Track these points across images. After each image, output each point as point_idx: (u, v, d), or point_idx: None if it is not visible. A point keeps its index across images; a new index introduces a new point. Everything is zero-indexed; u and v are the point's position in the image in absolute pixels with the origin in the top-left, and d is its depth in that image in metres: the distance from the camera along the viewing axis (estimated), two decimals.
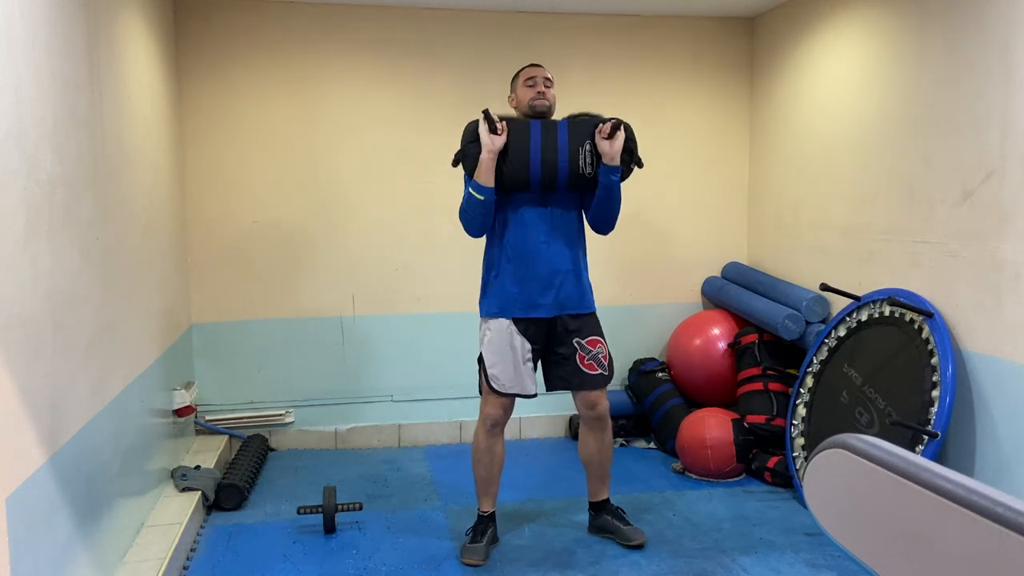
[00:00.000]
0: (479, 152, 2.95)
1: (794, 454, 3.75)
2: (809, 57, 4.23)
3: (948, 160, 3.26)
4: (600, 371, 3.14)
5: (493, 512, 3.26)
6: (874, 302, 3.56)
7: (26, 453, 2.02)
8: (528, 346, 3.11)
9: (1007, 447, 3.00)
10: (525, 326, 3.10)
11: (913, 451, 2.58)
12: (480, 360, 3.16)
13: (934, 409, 3.11)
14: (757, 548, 3.24)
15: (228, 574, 3.05)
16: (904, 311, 3.37)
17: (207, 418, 4.39)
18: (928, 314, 3.24)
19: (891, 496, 0.67)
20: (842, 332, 3.69)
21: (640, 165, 3.08)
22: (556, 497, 3.78)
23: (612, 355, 3.23)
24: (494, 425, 3.15)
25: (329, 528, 3.38)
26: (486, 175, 2.94)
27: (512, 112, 3.17)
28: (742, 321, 4.46)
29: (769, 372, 4.11)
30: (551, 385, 3.23)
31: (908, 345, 3.32)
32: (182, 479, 3.55)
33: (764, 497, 3.78)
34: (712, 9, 4.64)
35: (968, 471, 3.13)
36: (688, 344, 4.53)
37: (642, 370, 4.64)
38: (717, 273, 4.92)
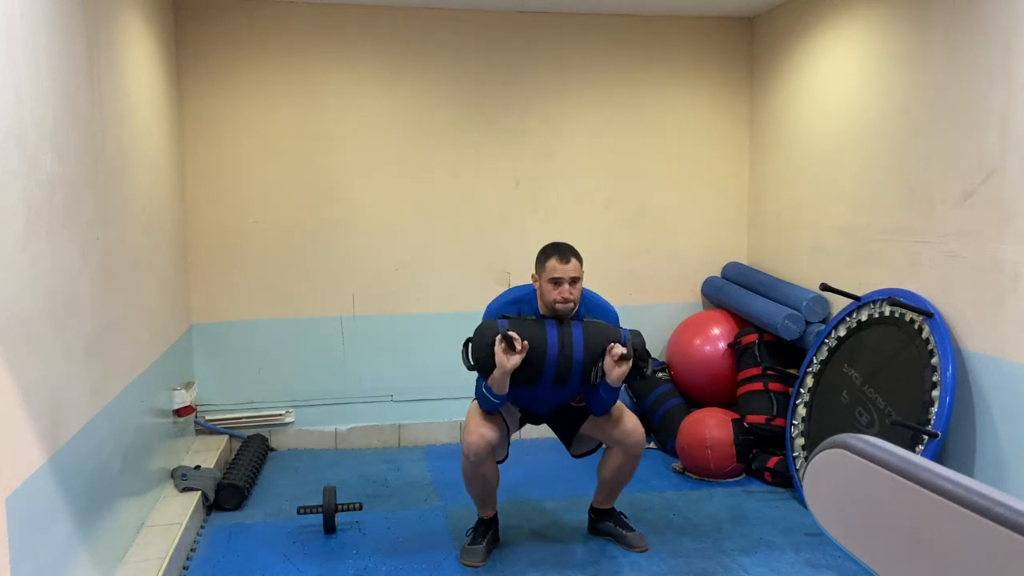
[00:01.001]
0: (492, 366, 2.88)
1: (794, 454, 3.75)
2: (809, 57, 4.23)
3: (948, 160, 3.26)
4: (585, 403, 3.16)
5: (495, 515, 3.25)
6: (874, 302, 3.56)
7: (26, 453, 2.02)
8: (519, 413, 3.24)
9: (1007, 447, 3.00)
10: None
11: (913, 451, 2.58)
12: (476, 397, 3.13)
13: (934, 409, 3.11)
14: (757, 548, 3.24)
15: (228, 574, 3.05)
16: (904, 311, 3.37)
17: (207, 418, 4.39)
18: (928, 314, 3.24)
19: (891, 496, 0.67)
20: (842, 332, 3.69)
21: (644, 377, 3.04)
22: (556, 497, 3.78)
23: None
24: (476, 455, 3.00)
25: (329, 528, 3.38)
26: (499, 388, 2.92)
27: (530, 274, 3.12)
28: (742, 321, 4.46)
29: (769, 372, 4.11)
30: (575, 451, 3.31)
31: (908, 345, 3.32)
32: (182, 479, 3.55)
33: (764, 497, 3.78)
34: (712, 9, 4.64)
35: (968, 471, 3.13)
36: (688, 344, 4.53)
37: None
38: (717, 273, 4.92)
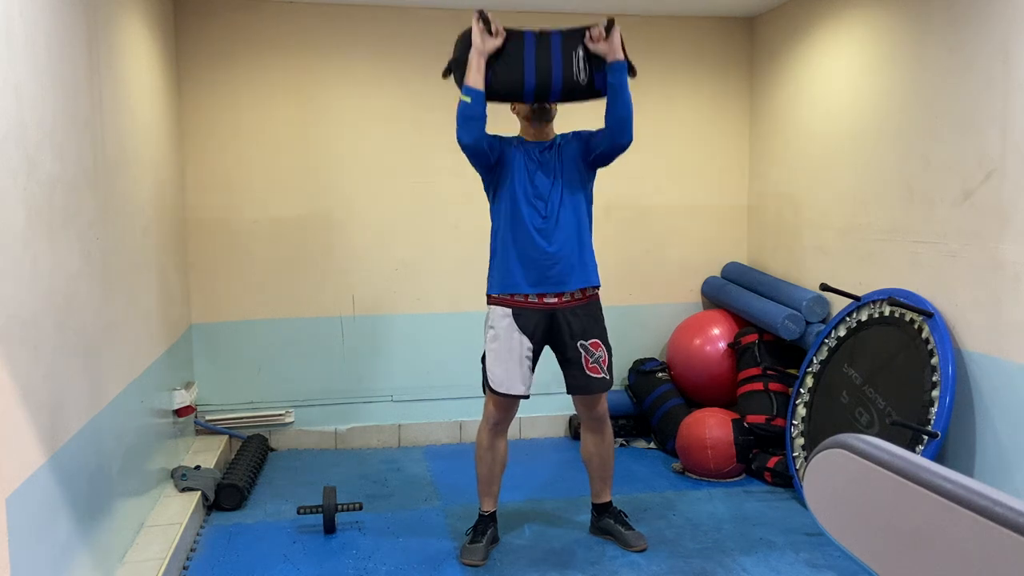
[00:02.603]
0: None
1: (794, 454, 3.75)
2: (809, 57, 4.23)
3: (948, 160, 3.26)
4: (603, 375, 3.14)
5: (494, 512, 3.26)
6: (874, 302, 3.56)
7: (26, 453, 2.02)
8: (528, 344, 3.08)
9: (1007, 447, 3.00)
10: (526, 320, 3.08)
11: (913, 451, 2.58)
12: (483, 359, 3.16)
13: (934, 409, 3.11)
14: (757, 548, 3.24)
15: (228, 574, 3.05)
16: (904, 311, 3.37)
17: (207, 418, 4.39)
18: (928, 314, 3.24)
19: (891, 496, 0.67)
20: (842, 332, 3.69)
21: (634, 73, 3.02)
22: (556, 497, 3.78)
23: (612, 355, 3.22)
24: (496, 424, 3.16)
25: (329, 528, 3.38)
26: (475, 75, 2.88)
27: (515, 127, 3.15)
28: (742, 321, 4.46)
29: (769, 372, 4.11)
30: (570, 389, 3.23)
31: (908, 345, 3.32)
32: (182, 479, 3.55)
33: (764, 497, 3.78)
34: (712, 9, 4.65)
35: (968, 471, 3.13)
36: (688, 344, 4.53)
37: (642, 370, 4.64)
38: (717, 273, 4.92)
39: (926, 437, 3.08)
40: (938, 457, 3.13)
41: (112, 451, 2.76)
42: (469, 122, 2.93)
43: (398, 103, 4.53)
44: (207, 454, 4.07)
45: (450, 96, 4.56)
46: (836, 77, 4.00)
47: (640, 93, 4.75)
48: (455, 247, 4.61)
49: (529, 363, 3.11)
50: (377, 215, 4.54)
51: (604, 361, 3.15)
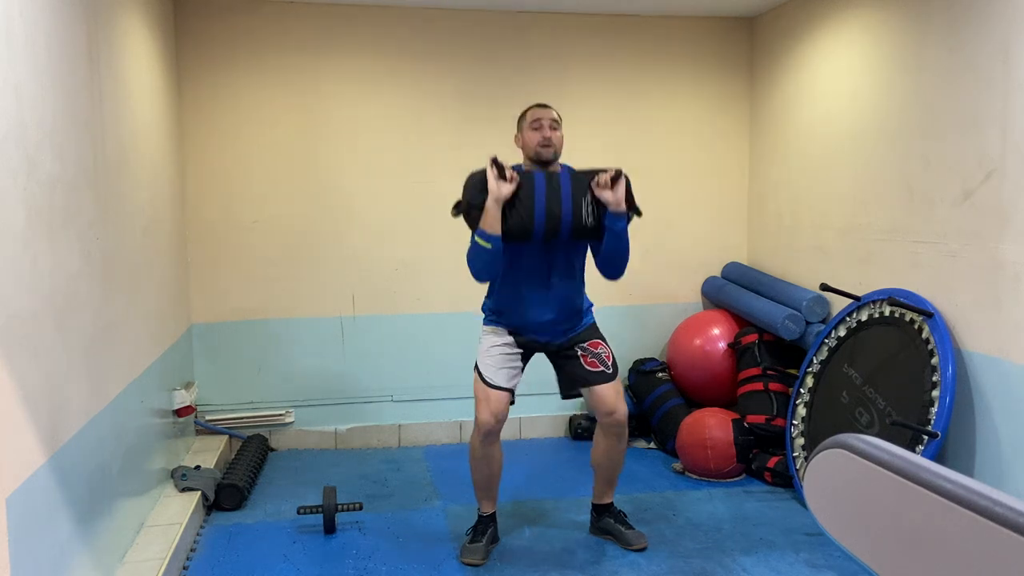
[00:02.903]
0: (484, 202, 2.90)
1: (794, 454, 3.75)
2: (809, 57, 4.23)
3: (948, 160, 3.26)
4: (603, 368, 3.14)
5: (493, 512, 3.26)
6: (874, 302, 3.56)
7: (26, 453, 2.02)
8: (519, 350, 3.15)
9: (1007, 447, 3.00)
10: (523, 344, 3.16)
11: (913, 451, 2.58)
12: (476, 367, 3.17)
13: (934, 409, 3.11)
14: (757, 548, 3.24)
15: (228, 574, 3.05)
16: (904, 311, 3.37)
17: (207, 418, 4.39)
18: (928, 314, 3.24)
19: (891, 496, 0.67)
20: (842, 332, 3.69)
21: (639, 214, 3.07)
22: (556, 497, 3.78)
23: (615, 356, 3.23)
24: (488, 434, 3.09)
25: (329, 528, 3.38)
26: (492, 222, 2.88)
27: (518, 153, 3.15)
28: (742, 321, 4.46)
29: (769, 372, 4.11)
30: (564, 392, 3.25)
31: (908, 345, 3.32)
32: (182, 479, 3.55)
33: (764, 497, 3.78)
34: (712, 9, 4.65)
35: (968, 471, 3.13)
36: (688, 344, 4.53)
37: (642, 370, 4.64)
38: (717, 273, 4.92)
39: (926, 437, 3.08)
40: (938, 457, 3.13)
41: (112, 451, 2.76)
42: (490, 267, 2.97)
43: (398, 103, 4.53)
44: (207, 454, 4.07)
45: (449, 96, 4.58)
46: (836, 77, 4.00)
47: (640, 93, 4.78)
48: (455, 247, 4.58)
49: (518, 364, 3.16)
50: (377, 215, 4.54)
51: (608, 356, 3.16)
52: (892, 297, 3.43)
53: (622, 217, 2.98)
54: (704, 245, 4.91)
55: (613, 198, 2.92)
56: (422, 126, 4.54)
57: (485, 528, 3.21)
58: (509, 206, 2.91)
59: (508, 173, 2.89)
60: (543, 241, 2.99)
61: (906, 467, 0.67)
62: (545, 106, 3.08)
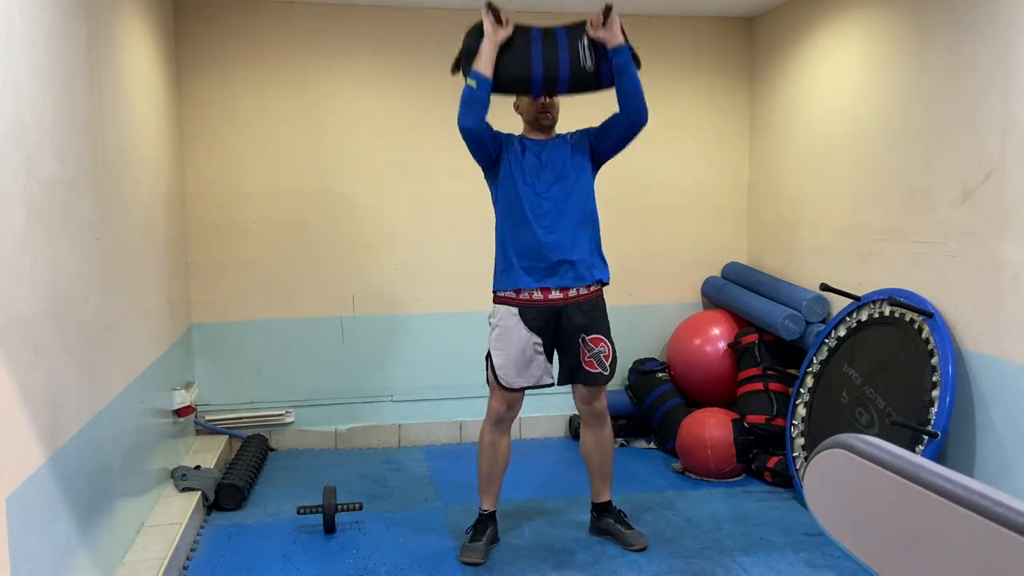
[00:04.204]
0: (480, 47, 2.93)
1: (794, 454, 3.75)
2: (809, 57, 4.23)
3: (948, 160, 3.26)
4: (600, 370, 3.14)
5: (494, 511, 3.26)
6: (874, 302, 3.56)
7: (26, 453, 2.02)
8: (535, 339, 3.08)
9: (1007, 447, 3.00)
10: (532, 316, 3.07)
11: (913, 451, 2.58)
12: (488, 356, 3.16)
13: (934, 409, 3.11)
14: (757, 548, 3.24)
15: (228, 574, 3.05)
16: (904, 311, 3.37)
17: (207, 418, 4.39)
18: (928, 314, 3.24)
19: (891, 496, 0.67)
20: (842, 332, 3.69)
21: (638, 62, 3.08)
22: (556, 497, 3.78)
23: (616, 354, 3.21)
24: (499, 420, 3.16)
25: (329, 528, 3.38)
26: (486, 63, 2.92)
27: (518, 120, 3.16)
28: (742, 321, 4.46)
29: (769, 372, 4.11)
30: (561, 380, 3.24)
31: (908, 345, 3.32)
32: (182, 479, 3.55)
33: (764, 497, 3.78)
34: (712, 9, 4.65)
35: (968, 471, 3.13)
36: (688, 344, 4.53)
37: (642, 370, 4.64)
38: (717, 273, 4.92)
39: (926, 437, 3.08)
40: (938, 457, 3.13)
41: (112, 451, 2.76)
42: (471, 105, 2.95)
43: (398, 103, 4.53)
44: (207, 454, 4.07)
45: (449, 96, 4.56)
46: (836, 77, 4.00)
47: None
48: (455, 247, 4.61)
49: (541, 356, 3.11)
50: (377, 215, 4.54)
51: (606, 357, 3.15)
52: (892, 297, 3.43)
53: (622, 51, 2.98)
54: (704, 245, 4.91)
55: (609, 32, 2.95)
56: (422, 126, 4.54)
57: (485, 527, 3.21)
58: (506, 54, 2.93)
59: (503, 17, 2.93)
60: (542, 88, 3.00)
61: (906, 467, 0.67)
62: None
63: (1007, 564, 0.57)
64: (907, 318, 3.36)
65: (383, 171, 4.53)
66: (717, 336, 4.46)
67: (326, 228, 4.50)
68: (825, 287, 3.79)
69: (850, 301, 3.71)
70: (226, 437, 4.35)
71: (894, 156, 3.58)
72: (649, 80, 4.77)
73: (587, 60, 2.96)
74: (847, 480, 0.73)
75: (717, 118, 4.86)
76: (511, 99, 3.21)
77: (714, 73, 4.83)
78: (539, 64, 2.94)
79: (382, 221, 4.55)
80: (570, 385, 3.23)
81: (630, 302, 4.81)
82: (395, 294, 4.60)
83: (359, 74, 4.49)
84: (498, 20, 2.93)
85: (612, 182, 4.76)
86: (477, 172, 4.77)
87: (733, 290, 4.57)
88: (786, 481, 3.83)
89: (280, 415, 4.51)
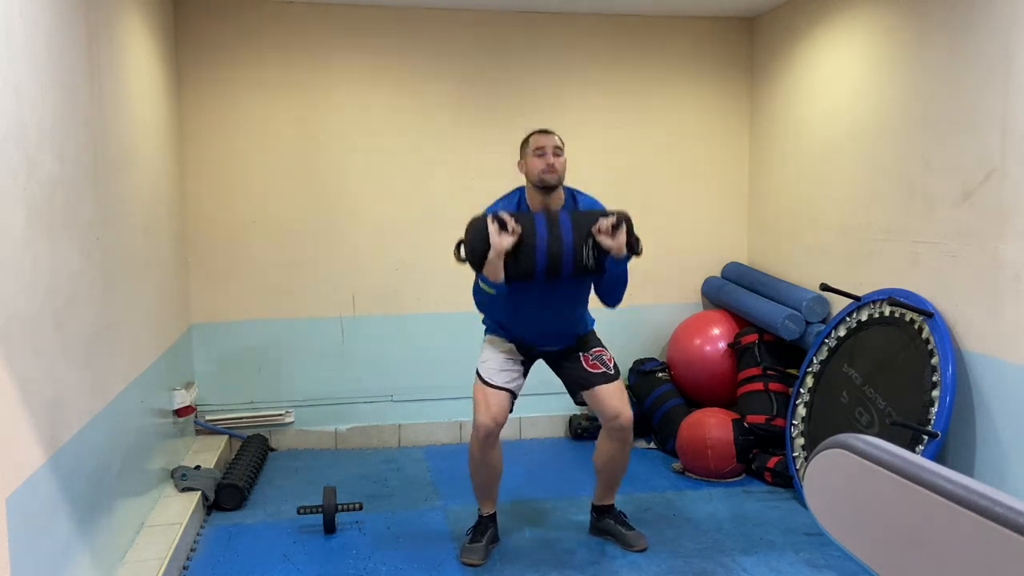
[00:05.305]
0: (486, 250, 2.91)
1: (794, 454, 3.75)
2: (809, 57, 4.23)
3: (948, 160, 3.26)
4: (604, 369, 3.15)
5: (494, 513, 3.26)
6: (874, 302, 3.56)
7: (26, 453, 2.02)
8: (521, 356, 3.19)
9: (1007, 447, 3.00)
10: (526, 349, 3.20)
11: (913, 451, 2.58)
12: (476, 372, 3.18)
13: (934, 409, 3.11)
14: (757, 548, 3.24)
15: (228, 574, 3.05)
16: (904, 311, 3.37)
17: (207, 418, 4.39)
18: (928, 314, 3.24)
19: (891, 496, 0.67)
20: (842, 332, 3.69)
21: (639, 254, 3.10)
22: (556, 497, 3.78)
23: (615, 359, 3.26)
24: (487, 436, 3.08)
25: (329, 528, 3.38)
26: (495, 271, 2.92)
27: (521, 178, 3.15)
28: (742, 321, 4.46)
29: (769, 372, 4.11)
30: (574, 396, 3.26)
31: (908, 345, 3.32)
32: (182, 479, 3.55)
33: (764, 497, 3.78)
34: (712, 9, 4.64)
35: (968, 471, 3.13)
36: (688, 344, 4.53)
37: (642, 370, 4.64)
38: (717, 273, 4.92)
39: (926, 437, 3.08)
40: (938, 457, 3.13)
41: (112, 451, 2.76)
42: (495, 305, 3.03)
43: (398, 103, 4.53)
44: (207, 454, 4.07)
45: (450, 96, 4.58)
46: (836, 77, 4.00)
47: (640, 93, 4.78)
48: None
49: (520, 369, 3.19)
50: (377, 215, 4.54)
51: (609, 359, 3.19)
52: (892, 297, 3.43)
53: (624, 261, 3.03)
54: (704, 245, 4.91)
55: (614, 244, 2.95)
56: (422, 125, 4.54)
57: (485, 528, 3.21)
58: (511, 251, 2.94)
59: (510, 225, 2.91)
60: (544, 281, 3.03)
61: (906, 467, 0.67)
62: (548, 132, 3.09)
63: (1007, 564, 0.57)
64: (907, 318, 3.36)
65: (383, 171, 4.53)
66: (717, 336, 4.45)
67: (326, 228, 4.50)
68: (825, 287, 3.79)
69: (850, 301, 3.71)
70: (226, 437, 4.35)
71: (894, 156, 3.58)
72: (649, 81, 4.80)
73: (590, 259, 3.00)
74: (847, 480, 0.73)
75: (717, 118, 4.86)
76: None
77: (714, 73, 4.83)
78: (543, 263, 2.96)
79: (382, 221, 4.55)
80: (591, 402, 3.19)
81: (630, 302, 4.77)
82: (395, 294, 4.60)
83: (359, 73, 4.49)
84: (503, 227, 2.91)
85: (612, 182, 4.77)
86: (477, 172, 4.78)
87: (733, 290, 4.57)
88: (786, 481, 3.83)
89: (280, 415, 4.51)
